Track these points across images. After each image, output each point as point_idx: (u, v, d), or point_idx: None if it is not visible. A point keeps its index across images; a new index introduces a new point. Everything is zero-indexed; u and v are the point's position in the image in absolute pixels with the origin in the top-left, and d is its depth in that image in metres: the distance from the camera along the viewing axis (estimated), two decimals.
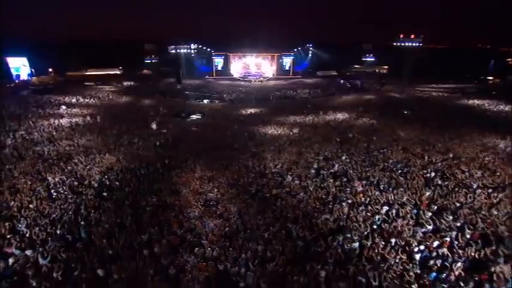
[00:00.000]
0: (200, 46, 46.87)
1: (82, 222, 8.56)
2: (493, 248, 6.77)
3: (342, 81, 41.09)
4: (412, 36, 31.01)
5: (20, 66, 36.21)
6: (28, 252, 7.16)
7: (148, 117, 21.98)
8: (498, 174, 10.65)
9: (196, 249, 7.33)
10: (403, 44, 31.66)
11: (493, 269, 6.08)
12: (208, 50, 48.63)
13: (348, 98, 29.81)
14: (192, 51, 43.40)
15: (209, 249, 7.32)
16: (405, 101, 26.64)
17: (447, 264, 6.49)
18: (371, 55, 45.77)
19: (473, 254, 6.72)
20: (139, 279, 6.52)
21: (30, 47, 40.93)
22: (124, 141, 16.22)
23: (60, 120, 19.38)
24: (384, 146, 14.24)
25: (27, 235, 7.76)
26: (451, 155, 12.73)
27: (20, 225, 8.15)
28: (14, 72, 35.30)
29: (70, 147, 14.99)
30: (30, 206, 9.20)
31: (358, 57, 47.76)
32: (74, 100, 26.10)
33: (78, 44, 53.39)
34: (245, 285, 6.29)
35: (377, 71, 53.81)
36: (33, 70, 38.70)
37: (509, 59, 57.13)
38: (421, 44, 31.55)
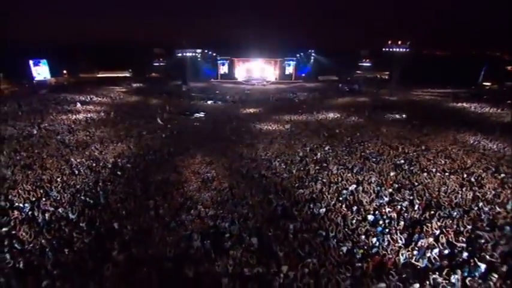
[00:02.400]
0: (206, 51, 49.19)
1: (100, 192, 10.41)
2: (431, 212, 8.37)
3: (340, 85, 42.78)
4: (400, 42, 32.71)
5: (45, 69, 39.42)
6: (60, 210, 9.02)
7: (156, 114, 23.97)
8: (458, 162, 12.17)
9: (192, 210, 9.10)
10: (391, 50, 33.30)
11: (425, 226, 7.68)
12: (214, 54, 50.95)
13: (343, 100, 31.44)
14: (198, 55, 45.73)
15: (203, 210, 9.07)
16: (396, 103, 28.17)
17: (392, 222, 8.11)
18: (367, 60, 47.54)
19: (415, 216, 8.33)
20: (146, 230, 8.28)
21: (45, 49, 43.95)
22: (134, 133, 18.19)
23: (77, 115, 21.52)
24: (365, 140, 15.85)
25: (58, 198, 9.64)
26: (423, 147, 14.30)
27: (52, 192, 10.03)
28: (36, 74, 38.29)
29: (87, 137, 16.99)
30: (58, 179, 11.10)
31: (356, 62, 49.54)
32: (88, 98, 28.36)
33: (90, 47, 56.16)
34: (230, 235, 7.97)
35: (378, 76, 55.28)
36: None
37: (510, 67, 57.89)
38: (408, 50, 33.17)
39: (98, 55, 52.84)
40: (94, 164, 12.89)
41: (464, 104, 26.70)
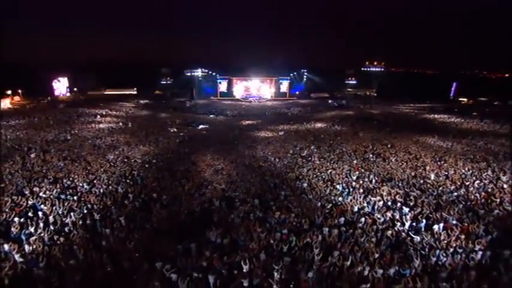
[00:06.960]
0: (207, 71, 53.74)
1: (137, 177, 13.53)
2: (383, 184, 11.69)
3: (330, 101, 47.11)
4: (376, 63, 37.46)
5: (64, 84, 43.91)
6: (110, 187, 12.11)
7: (166, 125, 27.41)
8: (413, 155, 15.65)
9: (209, 186, 12.28)
10: (368, 69, 37.97)
11: (378, 191, 10.97)
12: (214, 74, 55.49)
13: (331, 113, 35.39)
14: (200, 74, 50.22)
15: (218, 186, 12.26)
16: (377, 115, 32.12)
17: (355, 190, 11.38)
18: (352, 79, 52.53)
19: (370, 186, 11.62)
20: (178, 198, 11.39)
21: (59, 69, 48.18)
22: (152, 139, 21.46)
23: (99, 125, 24.80)
24: (344, 142, 19.35)
25: (106, 180, 12.74)
26: (389, 146, 17.80)
27: (101, 176, 13.13)
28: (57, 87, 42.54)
29: (113, 141, 20.19)
30: (101, 169, 14.22)
31: (343, 81, 54.50)
32: (104, 112, 31.75)
33: (100, 67, 60.48)
34: (238, 200, 11.12)
35: (368, 93, 60.21)
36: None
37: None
38: (382, 69, 37.85)
39: (106, 74, 57.07)
40: (126, 160, 16.05)
41: (435, 115, 30.69)
